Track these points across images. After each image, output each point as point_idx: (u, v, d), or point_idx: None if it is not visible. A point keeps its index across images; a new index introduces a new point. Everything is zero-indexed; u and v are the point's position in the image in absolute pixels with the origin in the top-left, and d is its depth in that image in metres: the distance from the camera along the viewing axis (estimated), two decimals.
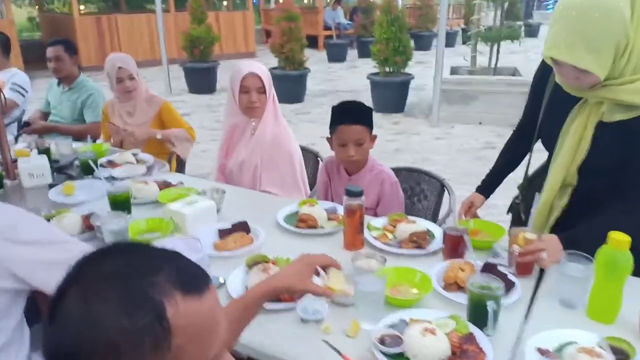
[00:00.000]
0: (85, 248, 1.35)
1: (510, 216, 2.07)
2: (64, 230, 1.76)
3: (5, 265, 1.21)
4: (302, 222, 1.83)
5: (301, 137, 5.76)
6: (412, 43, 7.32)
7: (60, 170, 2.49)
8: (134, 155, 2.66)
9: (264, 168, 2.39)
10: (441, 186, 2.40)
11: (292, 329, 1.29)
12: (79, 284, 0.62)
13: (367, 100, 7.55)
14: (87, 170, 2.43)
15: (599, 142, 1.48)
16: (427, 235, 1.67)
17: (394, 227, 1.78)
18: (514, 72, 6.90)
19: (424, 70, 9.30)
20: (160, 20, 8.23)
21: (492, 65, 6.71)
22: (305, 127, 6.25)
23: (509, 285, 1.38)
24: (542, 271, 1.50)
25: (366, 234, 1.72)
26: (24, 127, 3.53)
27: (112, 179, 2.40)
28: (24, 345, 1.33)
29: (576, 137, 1.51)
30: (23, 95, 3.83)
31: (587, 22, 1.31)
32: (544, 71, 1.66)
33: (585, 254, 1.34)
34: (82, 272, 0.64)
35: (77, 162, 2.52)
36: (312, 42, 11.75)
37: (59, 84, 3.61)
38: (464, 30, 14.97)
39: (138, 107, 3.04)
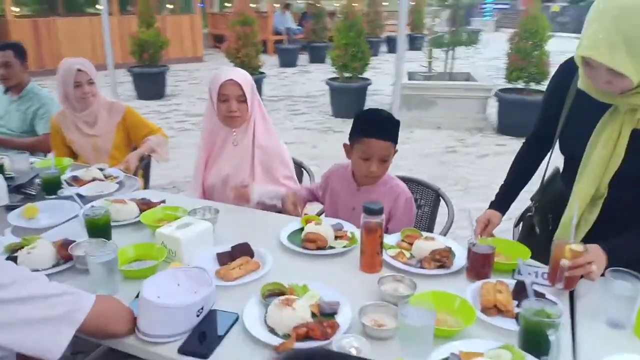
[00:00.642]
0: (73, 301, 1.13)
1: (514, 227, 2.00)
2: (35, 264, 1.52)
3: None
4: (310, 242, 1.66)
5: None
6: None
7: (18, 190, 2.18)
8: (101, 170, 2.39)
9: (262, 179, 2.22)
10: (437, 196, 2.30)
11: None
12: None
13: (325, 105, 7.45)
14: (50, 189, 2.15)
15: (635, 151, 1.41)
16: (450, 253, 1.55)
17: (410, 244, 1.64)
18: (468, 77, 7.01)
19: (375, 76, 9.26)
20: (107, 23, 7.75)
21: (448, 71, 6.77)
22: None
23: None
24: None
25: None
26: None
27: (79, 197, 2.13)
28: None
29: (609, 147, 1.43)
30: None
31: (630, 24, 1.23)
32: (564, 77, 1.58)
33: (630, 271, 1.26)
34: None
35: (37, 180, 2.22)
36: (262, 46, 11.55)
37: (5, 91, 3.24)
38: (410, 37, 15.24)
39: (99, 116, 2.75)
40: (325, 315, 1.30)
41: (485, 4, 23.11)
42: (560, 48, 5.93)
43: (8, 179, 2.22)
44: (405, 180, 2.35)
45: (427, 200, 2.33)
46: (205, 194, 2.35)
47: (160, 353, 1.20)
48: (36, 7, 16.28)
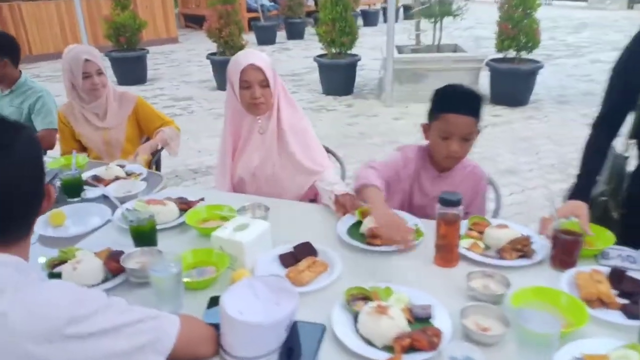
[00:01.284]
0: (158, 327, 1.00)
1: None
2: (84, 280, 1.37)
3: None
4: (374, 238, 1.55)
5: None
6: None
7: None
8: (121, 167, 2.21)
9: (304, 161, 2.08)
10: None
11: None
12: None
13: (315, 82, 7.26)
14: (72, 191, 1.96)
15: None
16: (530, 241, 1.45)
17: (480, 233, 1.55)
18: (455, 48, 6.90)
19: (359, 50, 9.09)
20: (79, 5, 7.35)
21: (436, 43, 6.65)
22: None
23: None
24: None
25: None
26: None
27: (104, 198, 1.97)
28: None
29: None
30: None
31: None
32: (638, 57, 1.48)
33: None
34: None
35: (57, 182, 2.03)
36: None
37: None
38: (384, 10, 14.99)
39: (109, 107, 2.55)
40: (420, 320, 1.20)
41: None
42: (548, 15, 5.85)
43: None
44: None
45: None
46: (234, 188, 2.20)
47: None
48: None
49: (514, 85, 5.77)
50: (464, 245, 1.48)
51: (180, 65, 9.24)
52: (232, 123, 2.15)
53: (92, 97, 2.49)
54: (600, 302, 1.22)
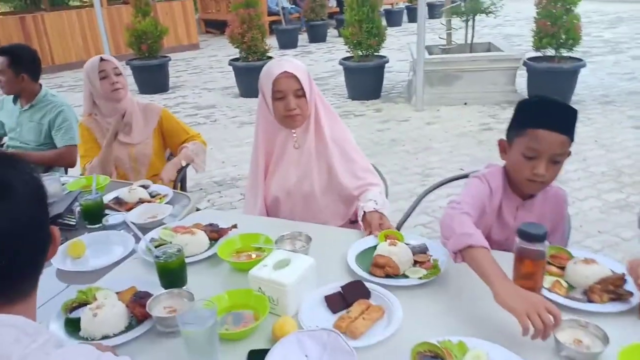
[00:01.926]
0: None
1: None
2: (105, 329, 1.21)
3: None
4: (377, 268, 1.39)
5: None
6: None
7: (54, 221, 1.85)
8: (145, 187, 2.06)
9: (346, 176, 1.93)
10: None
11: None
12: None
13: (340, 87, 7.08)
14: (93, 217, 1.82)
15: None
16: (624, 280, 1.24)
17: (560, 268, 1.34)
18: (489, 47, 6.64)
19: (384, 51, 8.88)
20: (100, 14, 7.31)
21: (468, 42, 6.40)
22: None
23: None
24: None
25: None
26: None
27: (126, 225, 1.81)
28: None
29: None
30: None
31: None
32: None
33: None
34: None
35: (77, 207, 1.89)
36: None
37: (15, 100, 2.89)
38: (408, 9, 14.74)
39: (134, 121, 2.41)
40: None
41: None
42: (580, 10, 5.53)
43: None
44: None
45: None
46: (267, 209, 2.03)
47: None
48: (18, 3, 15.67)
49: (554, 85, 5.47)
50: (544, 284, 1.27)
51: (202, 72, 9.18)
52: (264, 138, 1.99)
53: (113, 101, 2.36)
54: None
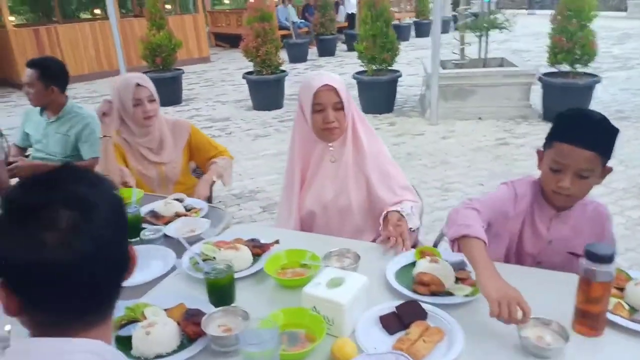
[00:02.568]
0: None
1: None
2: (158, 347, 1.18)
3: None
4: (421, 286, 1.37)
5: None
6: None
7: None
8: (179, 201, 2.04)
9: (382, 191, 1.90)
10: None
11: None
12: None
13: (353, 100, 7.07)
14: (131, 231, 1.79)
15: None
16: None
17: (619, 289, 1.30)
18: (502, 62, 6.64)
19: (395, 66, 8.93)
20: (115, 27, 7.34)
21: (482, 57, 6.40)
22: None
23: None
24: None
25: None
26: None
27: (164, 239, 1.79)
28: None
29: None
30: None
31: None
32: None
33: None
34: None
35: None
36: None
37: (41, 112, 2.88)
38: (416, 24, 14.84)
39: (165, 141, 2.38)
40: None
41: None
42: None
43: None
44: None
45: None
46: (301, 222, 2.00)
47: None
48: (31, 15, 15.83)
49: (569, 100, 5.43)
50: None
51: (214, 85, 9.20)
52: (300, 151, 1.97)
53: (143, 127, 2.32)
54: None
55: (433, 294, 1.36)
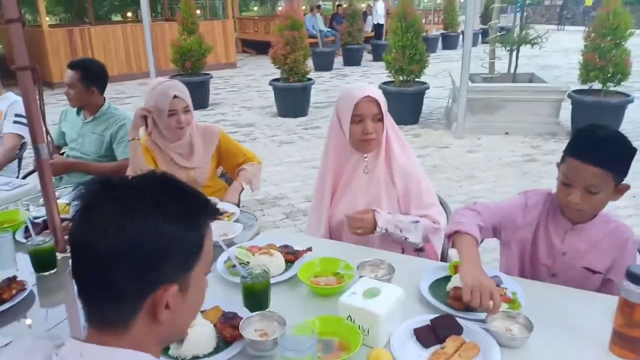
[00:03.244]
0: None
1: None
2: (195, 349, 1.19)
3: None
4: (457, 301, 1.36)
5: (317, 154, 5.27)
6: None
7: None
8: None
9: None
10: None
11: None
12: None
13: None
14: None
15: None
16: None
17: None
18: (532, 77, 6.59)
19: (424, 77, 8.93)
20: (148, 30, 7.50)
21: (512, 72, 6.36)
22: (317, 142, 5.69)
23: None
24: None
25: None
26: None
27: None
28: None
29: None
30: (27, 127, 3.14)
31: None
32: None
33: None
34: None
35: None
36: None
37: (78, 112, 2.95)
38: (443, 36, 14.83)
39: (195, 146, 2.42)
40: None
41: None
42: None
43: None
44: None
45: None
46: (330, 231, 2.01)
47: None
48: (65, 16, 16.26)
49: (600, 119, 5.35)
50: None
51: (240, 91, 9.32)
52: (334, 160, 1.98)
53: (176, 136, 2.36)
54: None
55: (468, 309, 1.36)
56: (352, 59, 12.10)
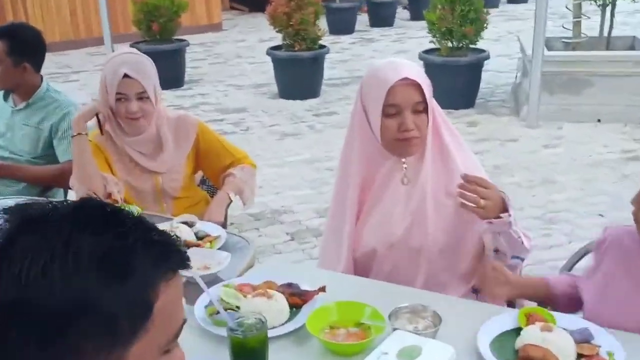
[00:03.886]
0: None
1: None
2: None
3: None
4: None
5: (334, 150, 5.28)
6: None
7: None
8: (188, 225, 2.09)
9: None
10: None
11: None
12: None
13: None
14: None
15: None
16: None
17: None
18: (633, 42, 6.58)
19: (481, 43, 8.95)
20: None
21: (605, 35, 6.34)
22: (333, 134, 5.64)
23: None
24: None
25: None
26: None
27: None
28: None
29: None
30: None
31: None
32: None
33: None
34: None
35: None
36: None
37: (6, 97, 2.99)
38: None
39: (164, 144, 2.43)
40: None
41: None
42: None
43: None
44: None
45: None
46: (355, 262, 2.01)
47: None
48: None
49: None
50: None
51: (226, 63, 9.44)
52: (359, 167, 1.99)
53: (133, 128, 2.38)
54: None
55: None
56: (381, 18, 12.12)
